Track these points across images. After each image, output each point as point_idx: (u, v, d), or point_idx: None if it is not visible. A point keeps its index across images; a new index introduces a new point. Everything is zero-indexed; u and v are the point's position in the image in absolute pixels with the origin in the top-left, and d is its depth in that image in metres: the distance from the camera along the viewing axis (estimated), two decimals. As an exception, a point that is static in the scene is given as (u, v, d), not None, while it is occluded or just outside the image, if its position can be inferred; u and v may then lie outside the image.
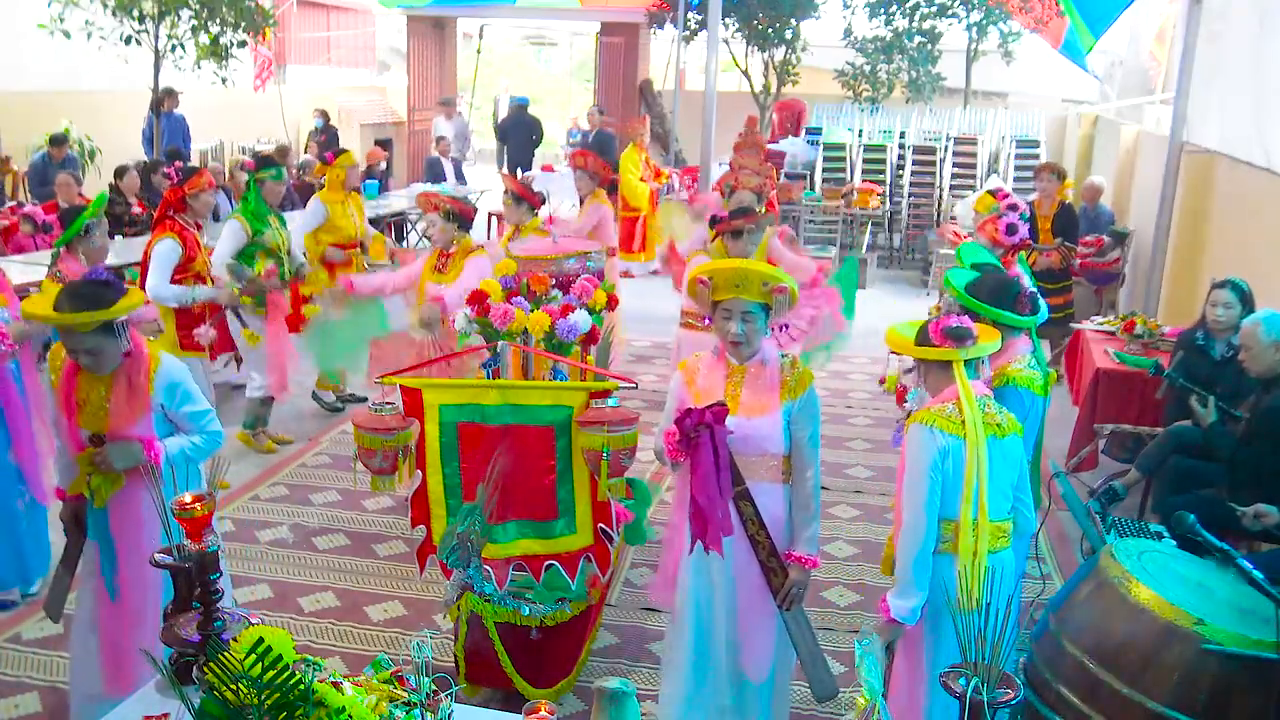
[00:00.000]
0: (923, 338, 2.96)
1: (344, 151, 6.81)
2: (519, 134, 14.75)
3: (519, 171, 13.62)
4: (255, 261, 5.68)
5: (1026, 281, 3.99)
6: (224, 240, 5.67)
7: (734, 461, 3.01)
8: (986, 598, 2.15)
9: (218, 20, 9.81)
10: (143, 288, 5.23)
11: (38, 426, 4.22)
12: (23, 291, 4.51)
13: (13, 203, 9.34)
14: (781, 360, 3.11)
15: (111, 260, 5.04)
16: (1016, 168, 12.06)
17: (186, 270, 5.37)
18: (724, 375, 3.12)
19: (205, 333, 5.45)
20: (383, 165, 12.74)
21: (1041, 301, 3.78)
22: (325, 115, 13.49)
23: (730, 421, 2.94)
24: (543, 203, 6.33)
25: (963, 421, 2.80)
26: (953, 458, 2.79)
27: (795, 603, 3.13)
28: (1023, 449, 3.01)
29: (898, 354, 3.44)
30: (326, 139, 12.55)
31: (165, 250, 5.26)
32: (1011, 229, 5.58)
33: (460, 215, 5.16)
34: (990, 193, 6.31)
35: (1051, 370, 4.65)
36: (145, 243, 5.63)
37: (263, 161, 5.98)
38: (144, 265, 5.39)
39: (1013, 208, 5.74)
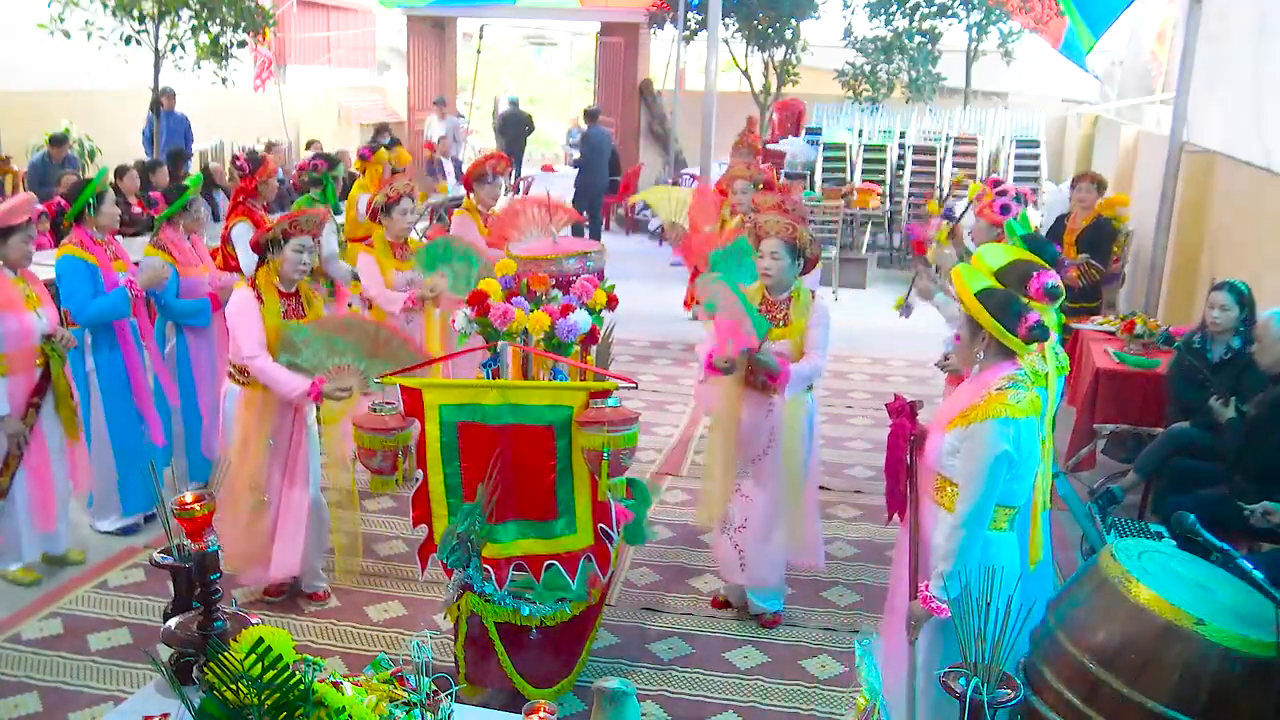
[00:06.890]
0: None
1: (380, 147, 7.22)
2: (513, 128, 16.87)
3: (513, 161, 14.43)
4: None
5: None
6: (329, 239, 5.89)
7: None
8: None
9: (218, 20, 9.79)
10: (224, 269, 5.63)
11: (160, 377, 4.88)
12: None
13: (13, 202, 9.32)
14: None
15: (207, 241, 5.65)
16: (1017, 168, 12.06)
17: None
18: None
19: None
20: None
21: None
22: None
23: None
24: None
25: (1046, 374, 3.42)
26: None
27: None
28: None
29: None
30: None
31: (243, 233, 5.61)
32: (1005, 209, 5.63)
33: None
34: (980, 181, 6.34)
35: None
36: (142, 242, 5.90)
37: (331, 161, 6.49)
38: (223, 248, 5.79)
39: (997, 184, 5.88)
